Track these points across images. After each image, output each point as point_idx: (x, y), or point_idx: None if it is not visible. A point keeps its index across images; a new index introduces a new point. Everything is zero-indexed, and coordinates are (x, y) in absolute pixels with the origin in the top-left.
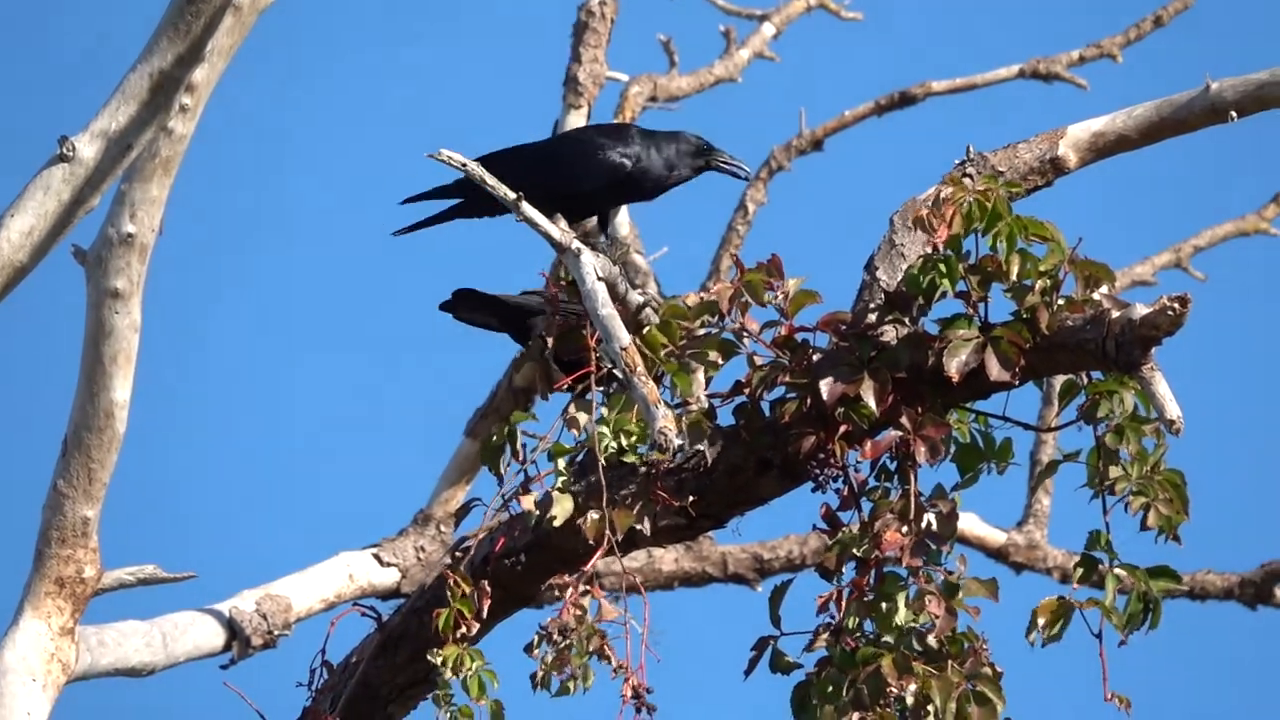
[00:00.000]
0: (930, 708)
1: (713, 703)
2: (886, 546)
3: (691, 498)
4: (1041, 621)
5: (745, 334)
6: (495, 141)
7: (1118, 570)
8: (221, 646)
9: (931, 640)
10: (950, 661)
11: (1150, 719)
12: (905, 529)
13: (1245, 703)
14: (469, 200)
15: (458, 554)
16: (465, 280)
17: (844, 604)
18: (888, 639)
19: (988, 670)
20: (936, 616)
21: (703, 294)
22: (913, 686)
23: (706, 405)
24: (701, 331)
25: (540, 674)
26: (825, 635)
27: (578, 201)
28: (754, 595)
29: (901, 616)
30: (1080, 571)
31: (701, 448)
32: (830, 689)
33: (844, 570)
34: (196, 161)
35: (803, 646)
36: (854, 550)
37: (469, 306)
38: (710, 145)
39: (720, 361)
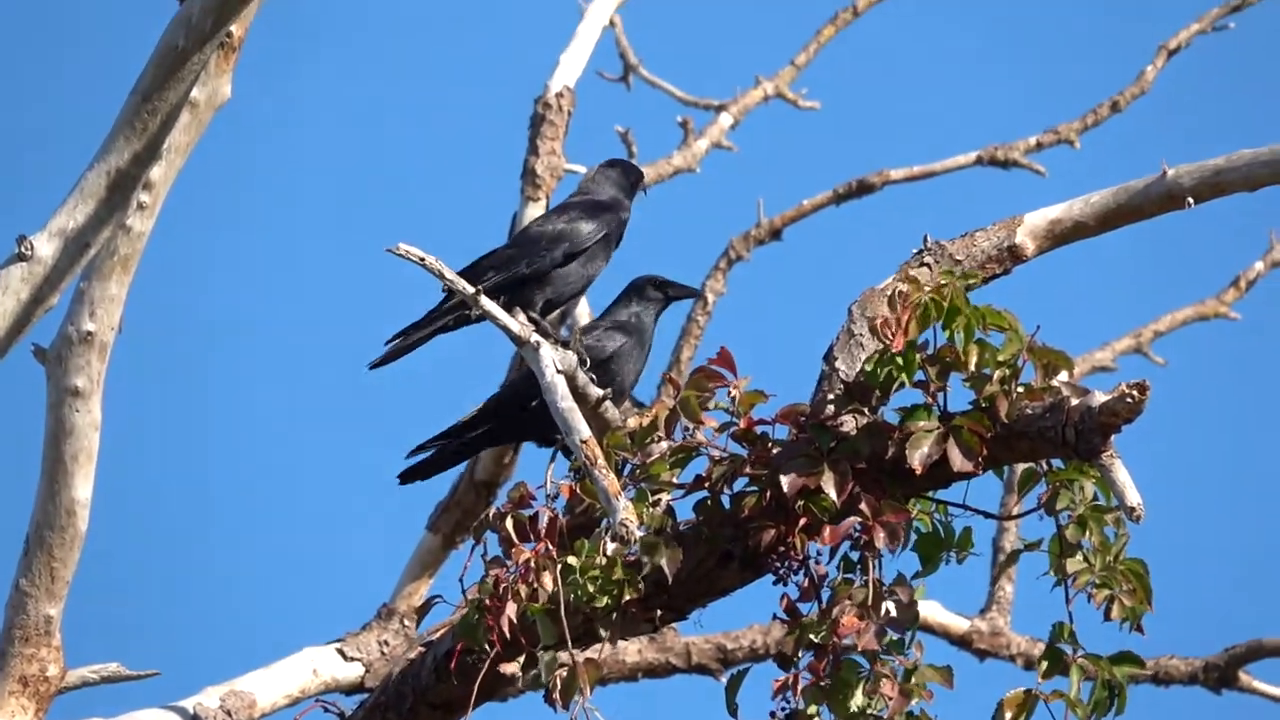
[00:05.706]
0: None
1: None
2: (844, 632)
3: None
4: (1009, 715)
5: (699, 446)
6: (453, 230)
7: (1081, 661)
8: None
9: None
10: None
11: None
12: (864, 615)
13: None
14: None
15: (422, 649)
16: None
17: (800, 690)
18: None
19: None
20: (889, 699)
21: (641, 415)
22: None
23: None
24: (656, 448)
25: None
26: None
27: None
28: (718, 686)
29: (858, 701)
30: (1045, 665)
31: (662, 563)
32: None
33: (801, 657)
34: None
35: None
36: (812, 636)
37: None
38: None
39: (675, 480)
